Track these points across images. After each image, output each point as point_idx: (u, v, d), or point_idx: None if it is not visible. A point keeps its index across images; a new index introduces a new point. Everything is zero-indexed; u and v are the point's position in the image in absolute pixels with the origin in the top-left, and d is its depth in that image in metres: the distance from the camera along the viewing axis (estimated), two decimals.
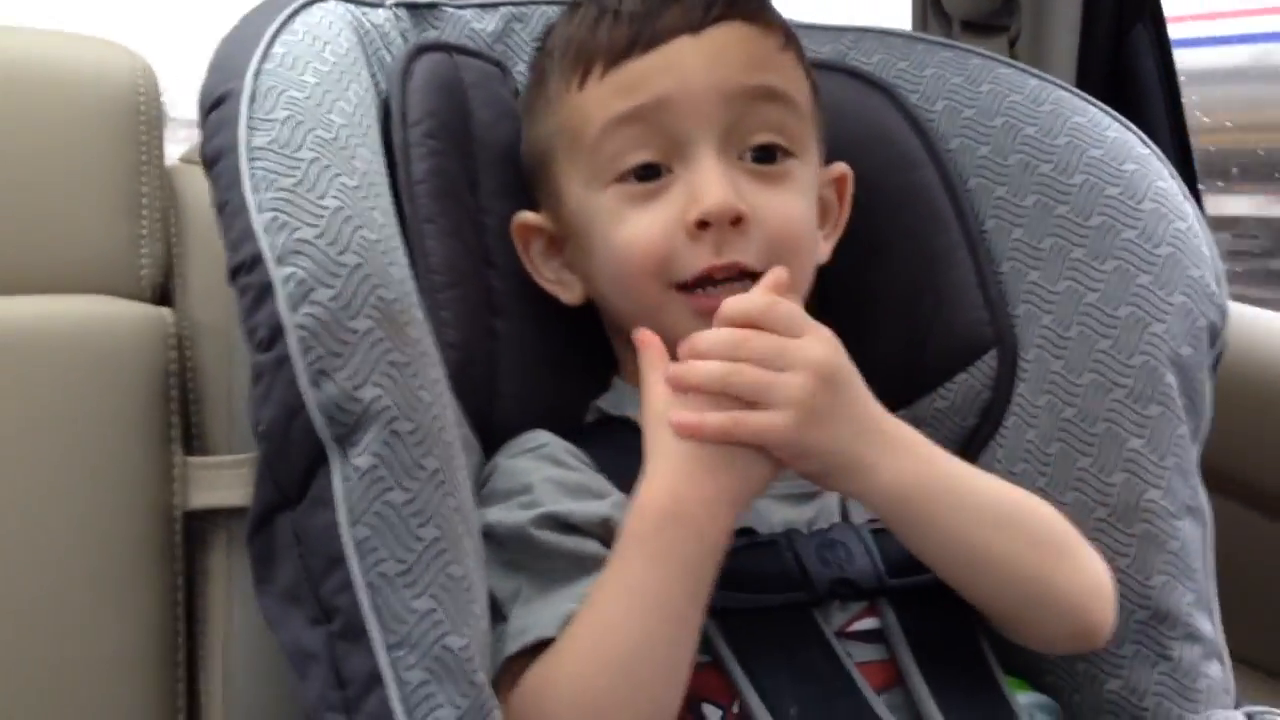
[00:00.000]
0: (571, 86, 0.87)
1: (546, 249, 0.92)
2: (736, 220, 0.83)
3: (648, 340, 0.81)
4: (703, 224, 0.83)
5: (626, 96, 0.85)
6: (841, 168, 0.94)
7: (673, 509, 0.76)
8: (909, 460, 0.79)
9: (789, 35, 0.91)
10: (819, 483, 0.82)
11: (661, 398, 0.79)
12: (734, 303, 0.79)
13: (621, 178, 0.85)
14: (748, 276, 0.84)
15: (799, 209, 0.87)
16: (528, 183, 0.93)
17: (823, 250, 0.93)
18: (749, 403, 0.76)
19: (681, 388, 0.78)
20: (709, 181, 0.83)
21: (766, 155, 0.86)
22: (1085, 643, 0.86)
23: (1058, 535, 0.84)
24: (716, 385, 0.77)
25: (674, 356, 0.81)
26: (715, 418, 0.76)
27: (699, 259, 0.83)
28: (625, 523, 0.77)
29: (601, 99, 0.86)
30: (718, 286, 0.84)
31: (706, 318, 0.82)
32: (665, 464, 0.77)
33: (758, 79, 0.86)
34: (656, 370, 0.80)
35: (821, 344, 0.78)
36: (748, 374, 0.76)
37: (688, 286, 0.84)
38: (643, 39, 0.85)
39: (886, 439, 0.79)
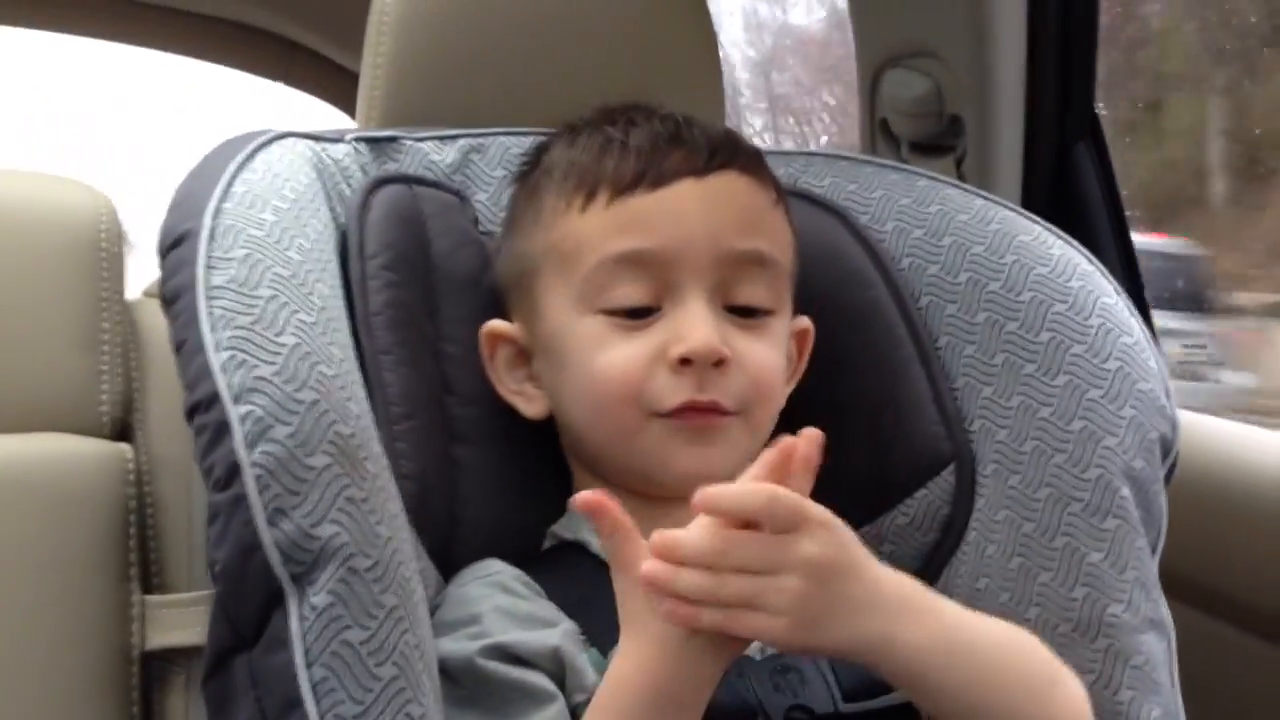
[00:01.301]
0: (572, 208, 0.89)
1: (513, 359, 0.92)
2: (719, 362, 0.85)
3: (595, 504, 0.73)
4: (685, 361, 0.84)
5: (629, 235, 0.86)
6: (804, 323, 0.96)
7: (652, 690, 0.72)
8: (920, 625, 0.75)
9: (779, 191, 0.94)
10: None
11: (630, 570, 0.73)
12: (730, 497, 0.71)
13: (611, 311, 0.87)
14: (719, 414, 0.85)
15: (774, 360, 0.90)
16: (501, 293, 0.94)
17: (782, 397, 0.94)
18: None
19: (662, 592, 0.71)
20: (697, 323, 0.85)
21: (748, 313, 0.89)
22: None
23: (1049, 667, 0.84)
24: (703, 597, 0.70)
25: (643, 486, 0.83)
26: (711, 615, 0.70)
27: (679, 392, 0.85)
28: (599, 694, 0.74)
29: (603, 230, 0.87)
30: (702, 410, 0.85)
31: (679, 437, 0.84)
32: (644, 642, 0.72)
33: (750, 243, 0.88)
34: (621, 541, 0.73)
35: (815, 539, 0.71)
36: (733, 585, 0.70)
37: (664, 415, 0.85)
38: (649, 176, 0.87)
39: (895, 609, 0.74)
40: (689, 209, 0.87)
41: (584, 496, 0.73)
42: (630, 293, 0.86)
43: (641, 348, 0.85)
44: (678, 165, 0.88)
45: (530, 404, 0.92)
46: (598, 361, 0.86)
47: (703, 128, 0.91)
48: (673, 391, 0.85)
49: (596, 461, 0.90)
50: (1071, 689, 0.84)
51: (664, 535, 0.71)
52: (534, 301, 0.91)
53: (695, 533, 0.71)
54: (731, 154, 0.90)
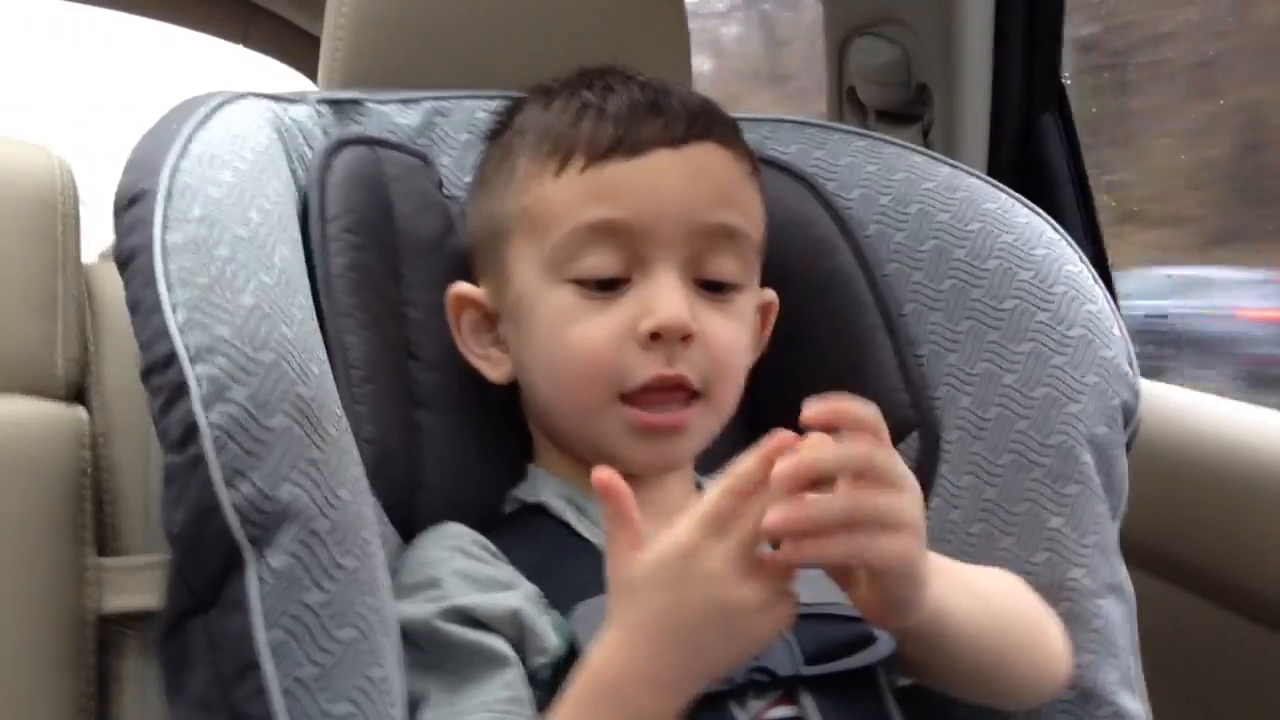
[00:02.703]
0: (545, 173, 0.87)
1: (479, 323, 0.91)
2: (686, 337, 0.84)
3: (611, 488, 0.71)
4: (655, 335, 0.84)
5: (602, 204, 0.85)
6: (769, 295, 0.95)
7: (617, 685, 0.71)
8: (952, 586, 0.78)
9: (754, 163, 0.93)
10: (880, 615, 0.76)
11: (626, 559, 0.72)
12: (828, 461, 0.70)
13: (581, 281, 0.86)
14: (685, 391, 0.85)
15: (738, 338, 0.89)
16: (471, 255, 0.93)
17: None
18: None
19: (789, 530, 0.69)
20: (667, 297, 0.84)
21: (717, 287, 0.88)
22: (1059, 689, 0.89)
23: (1038, 605, 0.89)
24: (843, 518, 0.69)
25: (599, 461, 0.81)
26: (841, 545, 0.69)
27: (647, 367, 0.84)
28: (574, 677, 0.73)
29: (576, 198, 0.86)
30: (656, 408, 0.84)
31: (639, 434, 0.84)
32: (623, 634, 0.72)
33: (723, 216, 0.87)
34: (621, 526, 0.72)
35: (917, 501, 0.73)
36: (866, 507, 0.70)
37: (631, 395, 0.85)
38: (626, 143, 0.86)
39: (935, 572, 0.76)
40: (664, 180, 0.86)
41: (601, 475, 0.72)
42: (601, 263, 0.85)
43: (611, 322, 0.84)
44: (655, 134, 0.86)
45: (495, 368, 0.91)
46: (567, 335, 0.85)
47: (680, 96, 0.90)
48: (641, 367, 0.84)
49: (557, 432, 0.90)
50: (1055, 625, 0.89)
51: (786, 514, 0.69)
52: (502, 265, 0.89)
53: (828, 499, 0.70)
54: (709, 125, 0.89)
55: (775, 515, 0.69)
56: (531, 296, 0.87)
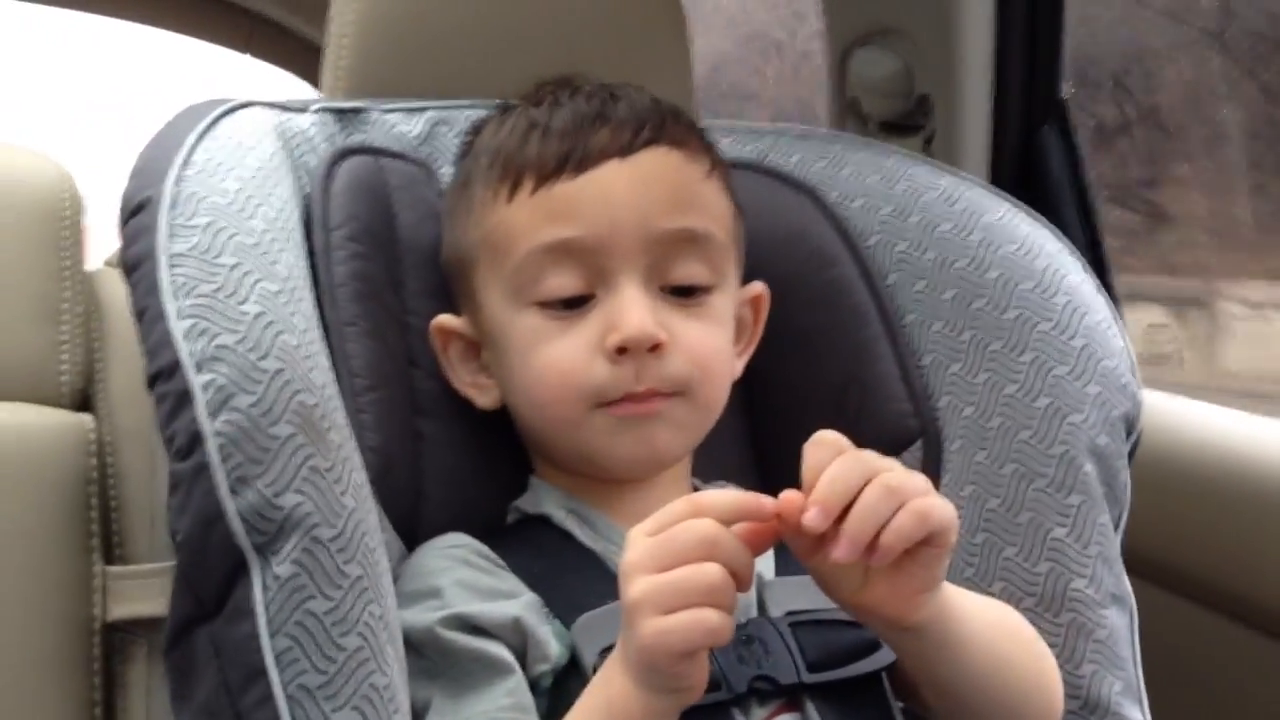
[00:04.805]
0: (499, 198, 0.87)
1: (464, 352, 0.91)
2: (655, 347, 0.84)
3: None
4: (622, 349, 0.83)
5: (555, 224, 0.84)
6: (758, 288, 0.95)
7: (609, 704, 0.72)
8: (952, 595, 0.78)
9: (714, 161, 0.91)
10: (895, 610, 0.75)
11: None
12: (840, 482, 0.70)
13: (545, 303, 0.85)
14: (659, 399, 0.84)
15: (716, 338, 0.88)
16: (447, 283, 0.93)
17: (736, 367, 0.94)
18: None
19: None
20: (631, 310, 0.83)
21: (686, 291, 0.87)
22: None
23: (1030, 629, 0.87)
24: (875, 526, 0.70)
25: (593, 470, 0.84)
26: (884, 502, 0.70)
27: (619, 384, 0.84)
28: (593, 682, 0.74)
29: (529, 221, 0.85)
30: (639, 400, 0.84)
31: (620, 426, 0.84)
32: (619, 657, 0.72)
33: (680, 222, 0.86)
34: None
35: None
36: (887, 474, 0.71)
37: (607, 406, 0.84)
38: (573, 159, 0.85)
39: None
40: (615, 192, 0.85)
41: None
42: (562, 284, 0.84)
43: (577, 340, 0.84)
44: (602, 146, 0.85)
45: (483, 395, 0.91)
46: (536, 359, 0.85)
47: (630, 101, 0.89)
48: (613, 383, 0.83)
49: (547, 449, 0.90)
50: (1047, 649, 0.88)
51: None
52: (474, 294, 0.89)
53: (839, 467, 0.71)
54: (659, 129, 0.87)
55: (810, 511, 0.69)
56: (502, 323, 0.87)
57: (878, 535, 0.69)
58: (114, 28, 2.15)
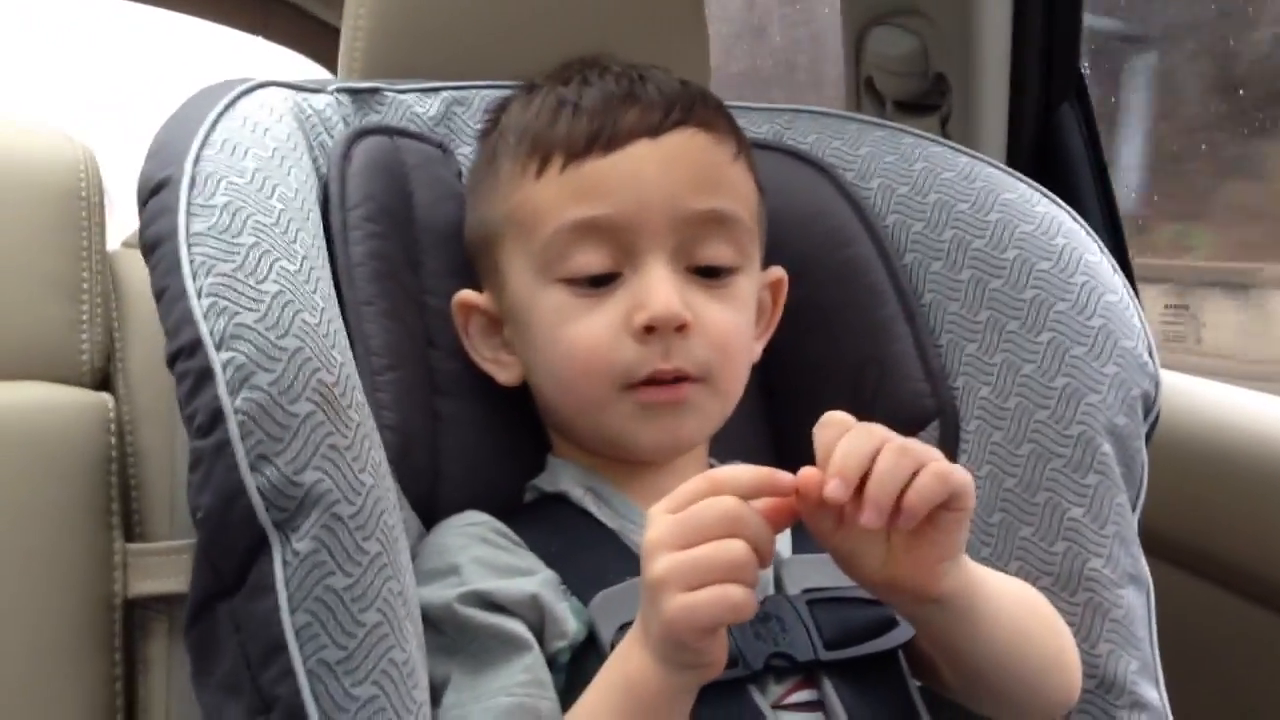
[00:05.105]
0: (527, 175, 0.87)
1: (486, 328, 0.92)
2: (681, 327, 0.84)
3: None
4: (649, 329, 0.83)
5: (584, 202, 0.85)
6: (778, 273, 0.95)
7: (629, 682, 0.73)
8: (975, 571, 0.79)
9: (741, 143, 0.92)
10: (919, 580, 0.75)
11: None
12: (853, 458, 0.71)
13: (572, 280, 0.85)
14: (685, 382, 0.85)
15: (739, 321, 0.89)
16: (470, 260, 0.94)
17: (755, 350, 0.94)
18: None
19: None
20: (658, 289, 0.83)
21: (711, 272, 0.87)
22: (1068, 706, 0.88)
23: (1049, 607, 0.88)
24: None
25: (614, 452, 0.85)
26: (905, 462, 0.70)
27: (646, 362, 0.84)
28: (611, 658, 0.75)
29: (558, 198, 0.85)
30: (662, 385, 0.85)
31: (644, 412, 0.84)
32: (637, 633, 0.73)
33: (708, 203, 0.86)
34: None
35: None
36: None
37: (633, 388, 0.85)
38: (603, 138, 0.85)
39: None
40: (644, 171, 0.85)
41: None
42: (590, 261, 0.85)
43: (605, 319, 0.84)
44: (632, 125, 0.86)
45: (505, 371, 0.91)
46: (562, 336, 0.85)
47: (659, 82, 0.89)
48: (639, 362, 0.84)
49: (567, 427, 0.90)
50: (1066, 628, 0.88)
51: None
52: (498, 271, 0.90)
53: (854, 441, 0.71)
54: (688, 110, 0.88)
55: (831, 483, 0.70)
56: (527, 299, 0.87)
57: (899, 502, 0.70)
58: (114, 28, 2.16)
